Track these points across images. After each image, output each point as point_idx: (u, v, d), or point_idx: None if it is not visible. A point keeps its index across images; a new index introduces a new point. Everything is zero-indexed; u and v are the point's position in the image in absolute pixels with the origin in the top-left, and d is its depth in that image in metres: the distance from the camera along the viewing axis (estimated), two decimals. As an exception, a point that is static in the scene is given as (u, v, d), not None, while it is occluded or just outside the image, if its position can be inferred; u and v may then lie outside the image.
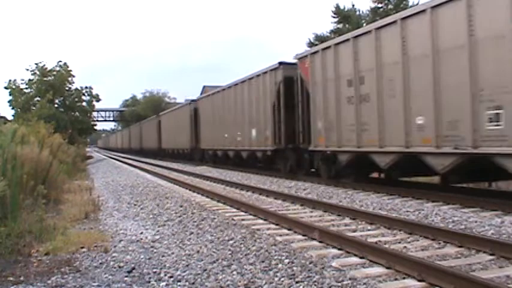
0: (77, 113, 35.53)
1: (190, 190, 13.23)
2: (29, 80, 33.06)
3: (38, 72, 32.99)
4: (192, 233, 7.21)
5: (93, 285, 4.69)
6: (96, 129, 50.28)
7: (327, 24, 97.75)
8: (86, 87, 36.06)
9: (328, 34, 33.59)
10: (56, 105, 33.81)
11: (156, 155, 40.09)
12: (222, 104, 22.84)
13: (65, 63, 34.04)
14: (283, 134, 16.35)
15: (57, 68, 33.72)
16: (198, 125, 27.60)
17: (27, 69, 32.89)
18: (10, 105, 33.17)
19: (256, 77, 18.38)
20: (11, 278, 4.95)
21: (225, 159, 22.99)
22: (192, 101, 29.86)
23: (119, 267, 5.33)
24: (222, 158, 23.43)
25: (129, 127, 62.84)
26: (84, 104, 36.04)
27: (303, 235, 6.70)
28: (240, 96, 20.33)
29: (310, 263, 5.23)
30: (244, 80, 19.78)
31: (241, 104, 20.08)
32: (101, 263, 5.49)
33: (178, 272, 5.04)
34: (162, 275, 4.98)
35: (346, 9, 33.95)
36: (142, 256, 5.78)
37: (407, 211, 8.57)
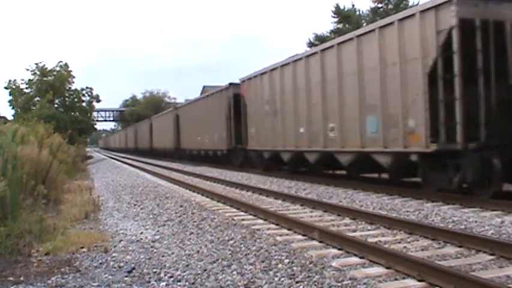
0: (77, 113, 35.55)
1: (190, 190, 13.23)
2: (29, 80, 33.10)
3: (38, 72, 33.01)
4: (192, 233, 7.21)
5: (93, 285, 4.69)
6: (96, 129, 50.30)
7: (327, 24, 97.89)
8: (87, 88, 36.16)
9: (328, 34, 33.64)
10: (56, 106, 33.82)
11: (221, 163, 23.58)
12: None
13: (65, 64, 34.11)
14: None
15: (57, 68, 33.75)
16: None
17: (27, 69, 32.95)
18: (10, 105, 33.26)
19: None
20: (11, 278, 4.96)
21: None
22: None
23: (119, 267, 5.33)
24: None
25: (149, 118, 46.49)
26: (84, 104, 36.06)
27: (303, 235, 6.70)
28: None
29: (310, 263, 5.23)
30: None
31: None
32: (101, 263, 5.49)
33: (178, 272, 5.04)
34: (162, 275, 4.98)
35: (346, 9, 34.01)
36: (142, 256, 5.78)
37: (407, 211, 8.57)
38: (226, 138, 21.96)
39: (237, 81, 20.64)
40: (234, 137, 21.16)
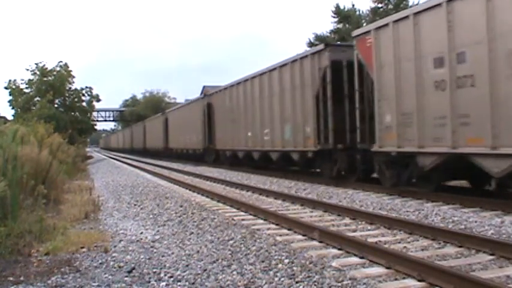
0: (77, 113, 35.55)
1: (190, 190, 13.22)
2: (29, 80, 33.08)
3: (38, 72, 33.00)
4: (192, 233, 7.21)
5: (93, 285, 4.69)
6: (96, 129, 50.27)
7: (327, 24, 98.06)
8: (87, 87, 36.17)
9: (328, 34, 33.69)
10: (56, 106, 33.82)
11: None
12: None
13: (65, 64, 34.11)
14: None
15: (57, 68, 33.74)
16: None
17: (27, 69, 32.93)
18: (10, 105, 33.24)
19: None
20: (11, 278, 4.96)
21: None
22: None
23: (119, 267, 5.33)
24: None
25: (163, 112, 40.09)
26: (84, 104, 36.06)
27: (303, 235, 6.71)
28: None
29: (310, 263, 5.24)
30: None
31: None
32: (101, 263, 5.49)
33: (178, 272, 5.04)
34: (162, 275, 4.98)
35: (346, 9, 34.04)
36: (142, 256, 5.78)
37: (407, 211, 8.58)
38: (313, 132, 13.90)
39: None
40: (332, 131, 13.26)
